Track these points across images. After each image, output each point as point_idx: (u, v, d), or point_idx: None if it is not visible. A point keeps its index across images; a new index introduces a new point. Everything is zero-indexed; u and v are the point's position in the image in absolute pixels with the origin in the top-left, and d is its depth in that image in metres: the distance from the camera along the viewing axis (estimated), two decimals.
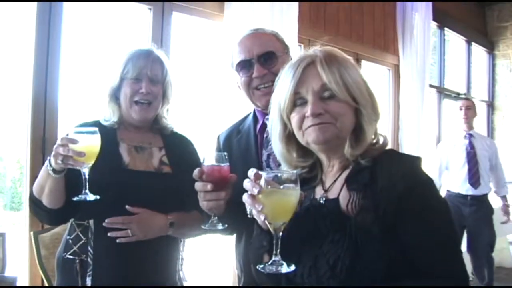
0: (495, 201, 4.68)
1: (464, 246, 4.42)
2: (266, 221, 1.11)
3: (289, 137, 1.30)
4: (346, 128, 1.22)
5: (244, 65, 1.77)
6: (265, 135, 1.77)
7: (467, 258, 4.23)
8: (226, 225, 1.45)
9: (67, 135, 1.54)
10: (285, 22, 3.55)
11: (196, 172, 1.39)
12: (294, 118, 1.24)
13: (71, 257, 1.73)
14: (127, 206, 1.70)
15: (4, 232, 2.43)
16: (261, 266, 1.13)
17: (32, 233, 2.37)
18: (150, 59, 1.83)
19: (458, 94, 6.43)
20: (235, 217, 1.43)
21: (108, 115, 1.86)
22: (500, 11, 7.03)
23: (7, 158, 3.48)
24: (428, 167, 4.90)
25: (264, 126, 1.76)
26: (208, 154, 1.43)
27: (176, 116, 2.01)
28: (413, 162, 1.20)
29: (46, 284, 2.31)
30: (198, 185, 1.41)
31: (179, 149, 1.92)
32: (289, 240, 1.15)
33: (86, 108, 3.02)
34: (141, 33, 3.17)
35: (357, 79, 1.23)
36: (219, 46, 3.46)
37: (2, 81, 2.91)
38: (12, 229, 2.73)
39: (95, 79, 2.97)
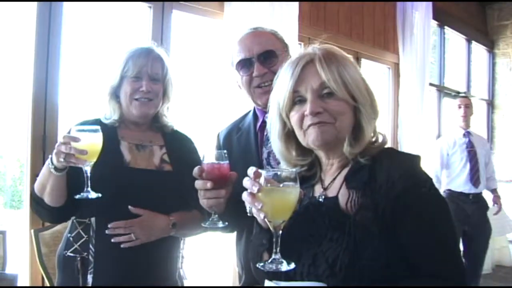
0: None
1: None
2: (265, 219, 1.12)
3: (288, 135, 1.30)
4: (345, 127, 1.22)
5: (244, 64, 1.77)
6: (265, 133, 1.78)
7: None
8: (227, 223, 1.45)
9: (69, 133, 1.54)
10: (285, 20, 3.56)
11: (196, 170, 1.40)
12: (294, 116, 1.25)
13: (72, 255, 1.74)
14: (129, 207, 1.70)
15: (5, 230, 2.44)
16: (261, 264, 1.13)
17: (32, 231, 2.38)
18: (150, 57, 1.83)
19: (458, 92, 6.42)
20: (235, 215, 1.43)
21: (108, 114, 1.87)
22: (500, 9, 7.03)
23: (7, 156, 3.49)
24: (428, 166, 4.91)
25: (264, 124, 1.76)
26: (208, 152, 1.43)
27: (176, 114, 2.02)
28: (412, 160, 1.20)
29: (46, 282, 2.32)
30: (198, 183, 1.41)
31: (180, 147, 1.93)
32: (288, 238, 1.15)
33: (86, 107, 3.02)
34: (141, 31, 3.18)
35: (356, 77, 1.23)
36: (219, 44, 3.46)
37: (2, 79, 2.91)
38: (13, 227, 2.73)
39: (95, 77, 2.97)
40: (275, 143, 1.34)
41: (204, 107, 3.72)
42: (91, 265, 1.71)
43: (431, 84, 5.64)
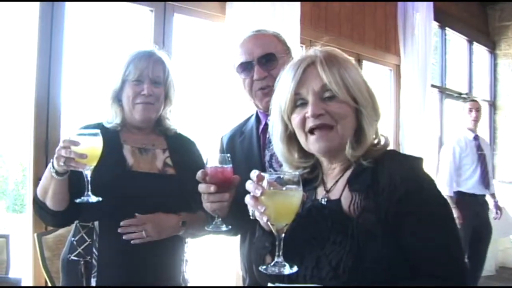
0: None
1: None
2: (268, 223, 1.11)
3: (290, 138, 1.31)
4: (347, 130, 1.22)
5: (245, 67, 1.78)
6: (267, 136, 1.78)
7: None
8: (230, 227, 1.45)
9: (69, 137, 1.55)
10: (287, 23, 3.56)
11: (199, 174, 1.40)
12: (295, 119, 1.25)
13: (75, 258, 1.74)
14: (136, 214, 1.71)
15: (8, 234, 2.44)
16: (264, 267, 1.13)
17: (35, 234, 2.38)
18: (151, 61, 1.83)
19: (460, 94, 6.42)
20: (239, 218, 1.43)
21: (111, 118, 1.86)
22: (501, 10, 7.01)
23: (9, 160, 3.49)
24: (430, 168, 4.92)
25: (266, 127, 1.76)
26: (211, 156, 1.43)
27: (179, 118, 2.02)
28: (415, 163, 1.20)
29: (49, 286, 2.32)
30: (201, 187, 1.41)
31: (183, 151, 1.93)
32: (291, 241, 1.15)
33: (88, 110, 3.02)
34: (143, 35, 3.18)
35: (357, 80, 1.23)
36: (220, 47, 3.47)
37: (5, 83, 2.92)
38: (16, 231, 2.73)
39: (97, 81, 2.98)
40: (277, 145, 1.34)
41: (206, 110, 3.72)
42: (95, 269, 1.71)
43: (432, 86, 5.64)
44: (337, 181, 1.27)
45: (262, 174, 1.10)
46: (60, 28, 2.68)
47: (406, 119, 5.11)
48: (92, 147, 1.55)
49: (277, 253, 1.12)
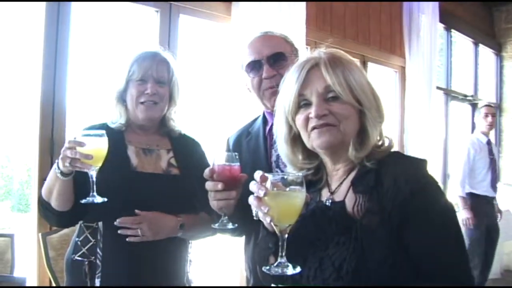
0: None
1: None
2: (272, 223, 1.12)
3: (294, 139, 1.31)
4: (349, 131, 1.22)
5: (254, 66, 1.78)
6: (274, 136, 1.78)
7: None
8: (236, 225, 1.45)
9: (75, 138, 1.55)
10: (292, 25, 3.56)
11: (207, 171, 1.40)
12: (299, 119, 1.25)
13: (80, 259, 1.74)
14: (136, 211, 1.71)
15: (13, 233, 2.46)
16: (267, 267, 1.13)
17: (40, 234, 2.39)
18: (155, 61, 1.84)
19: (466, 96, 6.40)
20: (244, 218, 1.43)
21: (115, 118, 1.87)
22: (508, 12, 6.98)
23: (14, 160, 3.51)
24: (435, 170, 4.92)
25: (273, 127, 1.76)
26: (218, 154, 1.43)
27: (184, 118, 2.02)
28: (419, 164, 1.20)
29: (54, 285, 2.33)
30: (208, 185, 1.41)
31: (187, 151, 1.93)
32: (294, 242, 1.15)
33: (94, 110, 3.04)
34: (148, 35, 3.19)
35: (361, 81, 1.23)
36: (226, 48, 3.47)
37: (11, 83, 2.93)
38: (21, 231, 2.75)
39: (103, 81, 2.99)
40: (281, 147, 1.34)
41: (212, 111, 3.73)
42: (99, 269, 1.71)
43: (438, 88, 5.62)
44: (341, 183, 1.27)
45: (266, 174, 1.11)
46: (65, 28, 2.70)
47: (411, 121, 5.10)
48: (98, 148, 1.55)
49: (280, 254, 1.12)
